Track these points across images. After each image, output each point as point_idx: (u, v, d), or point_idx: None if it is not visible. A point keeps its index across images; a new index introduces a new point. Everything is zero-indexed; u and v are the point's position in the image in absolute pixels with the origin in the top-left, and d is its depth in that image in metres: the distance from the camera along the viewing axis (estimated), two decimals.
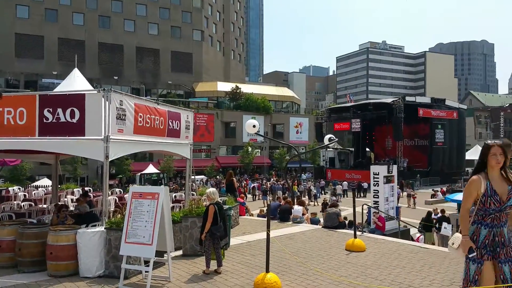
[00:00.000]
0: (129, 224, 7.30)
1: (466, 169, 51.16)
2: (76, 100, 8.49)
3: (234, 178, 14.32)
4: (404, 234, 16.05)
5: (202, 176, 41.93)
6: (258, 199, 33.17)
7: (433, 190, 36.00)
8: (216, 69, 71.60)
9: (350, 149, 53.69)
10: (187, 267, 8.41)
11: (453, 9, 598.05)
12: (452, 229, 15.04)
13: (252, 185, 36.39)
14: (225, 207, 10.08)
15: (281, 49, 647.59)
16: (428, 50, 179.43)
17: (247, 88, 67.31)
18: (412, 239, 15.59)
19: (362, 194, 36.48)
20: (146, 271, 7.15)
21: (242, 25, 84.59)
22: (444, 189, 36.79)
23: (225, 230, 8.10)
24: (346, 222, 14.02)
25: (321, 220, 17.15)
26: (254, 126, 16.37)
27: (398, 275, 7.71)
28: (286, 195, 35.48)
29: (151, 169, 44.46)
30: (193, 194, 14.49)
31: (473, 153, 55.21)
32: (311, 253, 9.52)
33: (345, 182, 37.57)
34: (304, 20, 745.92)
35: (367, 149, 54.70)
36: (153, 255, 6.95)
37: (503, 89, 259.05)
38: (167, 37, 64.14)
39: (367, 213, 17.15)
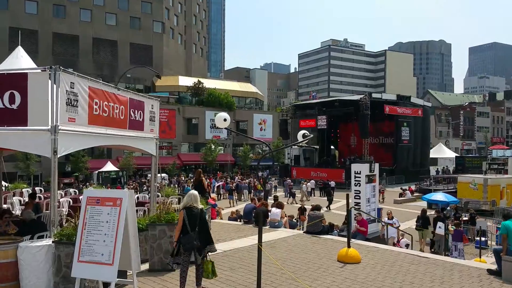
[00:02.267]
0: (83, 238, 5.72)
1: (430, 167, 51.61)
2: (17, 81, 6.83)
3: (203, 178, 12.81)
4: (382, 238, 15.12)
5: (164, 175, 39.88)
6: (223, 198, 31.65)
7: (401, 188, 35.70)
8: (177, 63, 69.17)
9: (315, 146, 53.03)
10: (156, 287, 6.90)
11: (413, 9, 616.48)
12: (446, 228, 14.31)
13: (217, 184, 34.81)
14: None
15: (243, 45, 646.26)
16: (388, 48, 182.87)
17: (209, 83, 65.41)
18: (394, 244, 14.66)
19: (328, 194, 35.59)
20: None
21: (204, 18, 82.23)
22: (413, 187, 36.61)
23: (200, 240, 6.41)
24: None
25: (299, 223, 16.02)
26: (225, 120, 14.90)
27: None
28: (252, 194, 34.29)
29: (109, 166, 41.98)
30: (157, 196, 12.86)
31: (436, 152, 56.02)
32: (300, 266, 8.21)
33: (312, 181, 36.65)
34: (265, 17, 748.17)
35: (332, 147, 54.24)
36: (114, 278, 5.43)
37: (458, 88, 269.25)
38: (126, 28, 61.19)
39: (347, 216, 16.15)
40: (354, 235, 14.44)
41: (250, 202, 15.06)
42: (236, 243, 10.16)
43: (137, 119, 9.28)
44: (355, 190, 14.66)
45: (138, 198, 14.19)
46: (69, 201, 14.35)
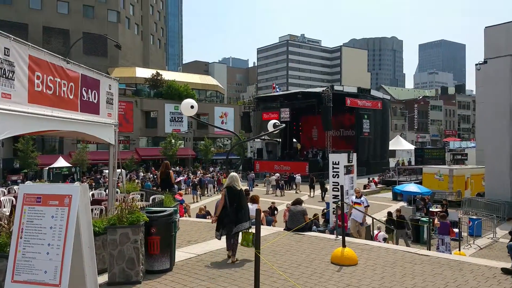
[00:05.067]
0: (19, 250, 4.25)
1: (389, 159, 51.98)
2: None
3: (171, 171, 11.36)
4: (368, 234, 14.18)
5: (120, 170, 37.74)
6: (186, 193, 30.07)
7: (368, 179, 35.38)
8: (134, 54, 66.28)
9: (278, 140, 52.16)
10: None
11: (365, 6, 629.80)
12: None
13: (178, 178, 33.13)
14: (167, 210, 7.28)
15: (200, 39, 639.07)
16: (342, 44, 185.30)
17: (168, 75, 63.07)
18: (372, 238, 13.76)
19: (294, 186, 34.83)
20: None
21: (161, 8, 79.35)
22: (376, 179, 36.40)
23: (236, 214, 7.50)
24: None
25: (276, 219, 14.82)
26: (192, 106, 13.55)
27: None
28: (216, 189, 32.89)
29: (61, 162, 39.29)
30: (116, 192, 11.26)
31: (394, 144, 56.51)
32: (290, 271, 6.99)
33: (277, 174, 35.67)
34: (223, 11, 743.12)
35: (294, 140, 53.58)
36: None
37: (409, 83, 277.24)
38: (79, 16, 57.78)
39: (324, 209, 15.12)
40: (332, 231, 13.48)
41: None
42: (210, 244, 8.82)
43: (91, 100, 7.74)
44: (333, 182, 13.64)
45: (93, 195, 12.51)
46: (12, 200, 12.45)
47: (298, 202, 10.59)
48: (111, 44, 60.02)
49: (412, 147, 57.68)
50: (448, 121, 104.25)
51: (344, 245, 7.68)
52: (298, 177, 34.35)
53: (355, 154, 14.44)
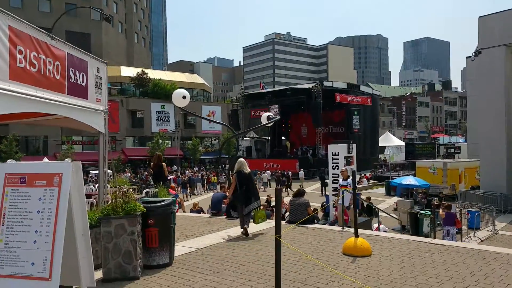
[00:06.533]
0: (0, 239, 3.64)
1: (379, 155, 51.85)
2: None
3: (164, 163, 10.72)
4: (365, 225, 13.70)
5: (108, 171, 36.83)
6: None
7: (360, 175, 35.07)
8: (118, 52, 65.06)
9: (267, 138, 51.69)
10: None
11: (350, 4, 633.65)
12: None
13: (169, 177, 32.41)
14: (165, 200, 6.70)
15: (185, 39, 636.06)
16: (328, 43, 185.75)
17: (154, 74, 62.06)
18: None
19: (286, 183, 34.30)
20: None
21: (145, 6, 78.14)
22: (368, 175, 36.16)
23: (246, 196, 8.37)
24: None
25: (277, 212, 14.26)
26: (184, 97, 12.91)
27: None
28: (205, 188, 32.25)
29: None
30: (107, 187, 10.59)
31: (384, 140, 56.48)
32: (301, 264, 6.44)
33: (268, 172, 35.17)
34: (207, 11, 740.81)
35: (283, 138, 53.15)
36: None
37: (394, 81, 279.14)
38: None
39: (324, 203, 14.64)
40: (332, 224, 13.00)
41: (219, 191, 13.07)
42: (210, 238, 8.23)
43: (78, 82, 7.10)
44: (333, 174, 13.12)
45: None
46: None
47: (300, 193, 10.06)
48: (95, 42, 59.08)
49: (402, 143, 57.72)
50: (435, 117, 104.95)
51: (356, 235, 7.17)
52: (301, 172, 34.10)
53: (354, 145, 13.96)
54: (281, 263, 6.29)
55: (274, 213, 11.88)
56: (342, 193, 10.82)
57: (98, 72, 7.92)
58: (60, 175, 3.57)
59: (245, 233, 8.22)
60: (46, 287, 3.42)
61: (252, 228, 9.19)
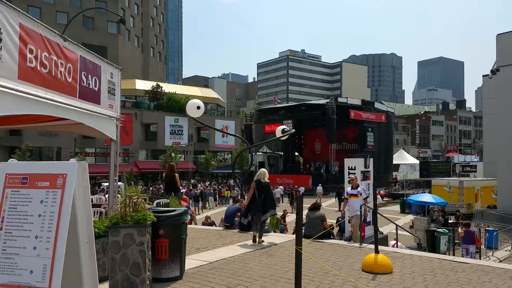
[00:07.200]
0: None
1: (393, 173, 51.07)
2: None
3: (176, 174, 10.46)
4: (382, 241, 13.22)
5: (120, 183, 36.80)
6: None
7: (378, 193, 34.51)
8: (134, 66, 65.65)
9: (280, 153, 51.29)
10: None
11: (364, 23, 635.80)
12: None
13: (181, 190, 32.18)
14: (176, 209, 6.40)
15: (200, 55, 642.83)
16: (342, 60, 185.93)
17: (169, 88, 62.40)
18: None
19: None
20: None
21: (162, 21, 79.12)
22: (382, 192, 35.51)
23: (263, 205, 8.70)
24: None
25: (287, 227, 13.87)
26: (198, 107, 12.69)
27: None
28: (217, 202, 31.87)
29: None
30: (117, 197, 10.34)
31: (398, 158, 55.72)
32: (319, 280, 6.06)
33: (281, 187, 34.73)
34: (223, 27, 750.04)
35: (296, 153, 52.69)
36: None
37: (408, 100, 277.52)
38: (78, 27, 57.29)
39: (339, 218, 14.19)
40: (348, 240, 12.53)
41: (232, 204, 12.74)
42: (222, 252, 7.89)
43: (91, 87, 6.91)
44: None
45: (91, 200, 11.57)
46: None
47: (316, 207, 9.71)
48: (111, 55, 59.62)
49: (416, 161, 56.86)
50: (449, 136, 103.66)
51: (377, 251, 6.78)
52: (319, 188, 33.69)
53: (371, 159, 13.54)
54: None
55: (291, 226, 11.54)
56: (363, 205, 10.36)
57: (112, 78, 7.75)
58: (64, 176, 3.30)
59: (259, 241, 8.55)
60: None
61: (265, 240, 8.85)
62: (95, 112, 7.07)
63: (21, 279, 3.19)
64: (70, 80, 6.19)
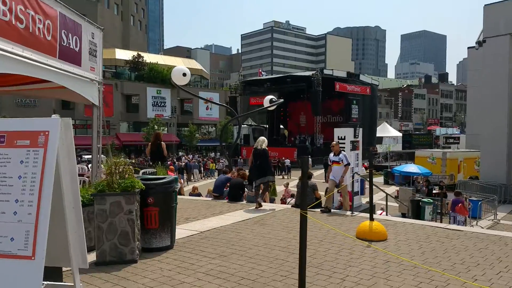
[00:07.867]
0: None
1: (377, 145, 51.43)
2: None
3: (163, 142, 10.11)
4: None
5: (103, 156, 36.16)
6: None
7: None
8: (114, 35, 63.72)
9: (265, 125, 51.05)
10: None
11: None
12: None
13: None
14: (166, 177, 6.14)
15: (182, 25, 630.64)
16: (327, 33, 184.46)
17: (150, 58, 60.97)
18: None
19: (284, 172, 33.89)
20: None
21: None
22: (366, 164, 35.66)
23: (258, 170, 9.00)
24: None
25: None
26: (184, 74, 12.28)
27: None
28: (202, 174, 31.61)
29: None
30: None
31: (381, 131, 56.07)
32: (313, 247, 5.91)
33: None
34: None
35: (281, 126, 52.56)
36: (38, 281, 2.85)
37: (390, 73, 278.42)
38: None
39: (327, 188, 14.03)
40: (337, 209, 12.47)
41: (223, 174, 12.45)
42: (212, 221, 7.68)
43: (71, 46, 6.44)
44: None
45: None
46: None
47: (307, 176, 9.49)
48: None
49: (399, 134, 57.39)
50: (431, 109, 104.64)
51: (371, 219, 6.65)
52: (288, 162, 33.51)
53: (361, 129, 13.41)
54: (291, 245, 5.79)
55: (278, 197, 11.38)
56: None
57: (93, 38, 7.26)
58: (47, 133, 2.96)
59: (256, 206, 8.80)
60: (28, 268, 2.84)
61: (257, 211, 8.68)
62: (76, 74, 6.62)
63: (1, 247, 2.88)
64: (49, 38, 5.73)
